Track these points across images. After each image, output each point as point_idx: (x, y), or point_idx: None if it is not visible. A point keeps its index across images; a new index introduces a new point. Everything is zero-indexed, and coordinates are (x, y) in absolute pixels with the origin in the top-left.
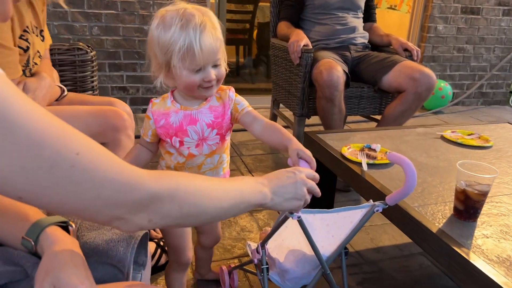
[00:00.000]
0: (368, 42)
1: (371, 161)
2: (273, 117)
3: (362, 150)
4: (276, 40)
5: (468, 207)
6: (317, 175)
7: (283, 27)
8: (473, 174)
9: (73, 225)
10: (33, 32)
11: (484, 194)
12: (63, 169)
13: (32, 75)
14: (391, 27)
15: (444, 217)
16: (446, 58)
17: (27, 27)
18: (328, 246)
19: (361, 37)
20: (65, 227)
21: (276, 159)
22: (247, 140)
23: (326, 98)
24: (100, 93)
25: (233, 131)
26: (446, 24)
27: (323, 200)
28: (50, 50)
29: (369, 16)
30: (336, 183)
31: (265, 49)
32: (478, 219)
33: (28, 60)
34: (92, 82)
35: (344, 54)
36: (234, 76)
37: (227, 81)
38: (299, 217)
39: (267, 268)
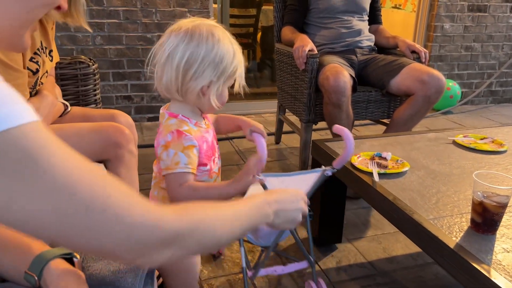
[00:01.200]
0: (375, 44)
1: (382, 171)
2: (279, 123)
3: (372, 159)
4: (280, 45)
5: (486, 219)
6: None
7: (287, 32)
8: (491, 186)
9: (78, 257)
10: (43, 53)
11: (503, 206)
12: (97, 212)
13: (36, 94)
14: (396, 27)
15: (461, 230)
16: (453, 57)
17: (38, 49)
18: None
19: (367, 40)
20: (69, 259)
21: (283, 165)
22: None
23: (333, 103)
24: (105, 102)
25: (239, 138)
26: (452, 23)
27: (334, 209)
28: None
29: (374, 18)
30: (347, 191)
31: (269, 53)
32: (497, 232)
33: (36, 82)
34: (95, 95)
35: (350, 58)
36: None
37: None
38: (262, 179)
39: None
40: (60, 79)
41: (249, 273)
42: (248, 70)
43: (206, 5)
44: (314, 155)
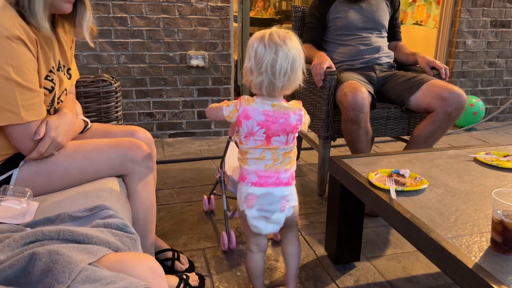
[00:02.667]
0: (394, 61)
1: (399, 188)
2: (298, 139)
3: (390, 176)
4: None
5: (507, 239)
6: None
7: (306, 49)
8: (511, 204)
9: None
10: (61, 71)
11: None
12: None
13: (55, 112)
14: (417, 43)
15: (480, 250)
16: (476, 73)
17: (53, 67)
18: None
19: (386, 56)
20: None
21: (302, 182)
22: None
23: (351, 120)
24: (128, 119)
25: None
26: (475, 39)
27: (352, 226)
28: (76, 82)
29: (393, 34)
30: (365, 208)
31: None
32: None
33: (53, 100)
34: (117, 112)
35: (369, 74)
36: None
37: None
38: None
39: (223, 181)
40: (83, 96)
41: (229, 214)
42: None
43: (227, 24)
44: (332, 172)
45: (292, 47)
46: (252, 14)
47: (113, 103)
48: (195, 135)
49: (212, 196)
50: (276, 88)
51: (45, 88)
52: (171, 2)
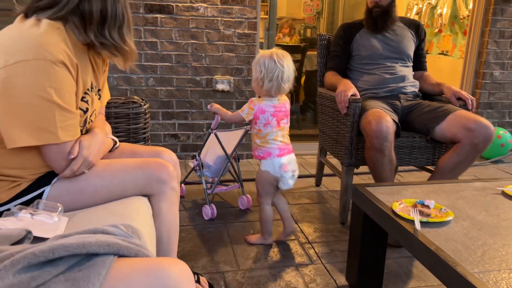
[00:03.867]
0: (419, 91)
1: (424, 219)
2: (320, 165)
3: (414, 206)
4: (323, 89)
5: None
6: None
7: (330, 76)
8: None
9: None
10: (93, 91)
11: None
12: None
13: (87, 131)
14: (443, 73)
15: (509, 287)
16: (504, 104)
17: (88, 88)
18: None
19: (411, 86)
20: None
21: (323, 208)
22: (293, 188)
23: (375, 148)
24: (153, 140)
25: None
26: (502, 70)
27: (374, 256)
28: (108, 103)
29: (419, 64)
30: (388, 238)
31: (312, 96)
32: None
33: (85, 120)
34: (145, 133)
35: (394, 103)
36: None
37: None
38: (212, 131)
39: (202, 166)
40: (114, 117)
41: (209, 191)
42: (291, 112)
43: (253, 51)
44: (355, 200)
45: (291, 62)
46: (277, 41)
47: (142, 124)
48: None
49: (182, 185)
50: (283, 90)
51: (80, 109)
52: (200, 28)
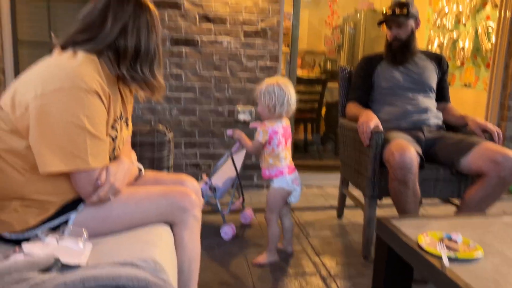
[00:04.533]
0: (443, 123)
1: (452, 254)
2: (342, 197)
3: (441, 240)
4: (344, 120)
5: None
6: None
7: (352, 107)
8: None
9: None
10: (122, 120)
11: None
12: None
13: (114, 158)
14: (466, 105)
15: None
16: None
17: (117, 117)
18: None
19: (435, 117)
20: None
21: (345, 241)
22: (314, 220)
23: (399, 180)
24: (175, 169)
25: (299, 209)
26: None
27: None
28: (133, 132)
29: (442, 96)
30: (413, 273)
31: (333, 127)
32: None
33: (114, 147)
34: (168, 162)
35: (417, 135)
36: (302, 153)
37: (295, 158)
38: (232, 154)
39: (214, 189)
40: (139, 145)
41: (225, 212)
42: (311, 143)
43: None
44: (380, 234)
45: (292, 87)
46: (298, 73)
47: (166, 153)
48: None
49: None
50: (290, 112)
51: (110, 136)
52: (223, 60)
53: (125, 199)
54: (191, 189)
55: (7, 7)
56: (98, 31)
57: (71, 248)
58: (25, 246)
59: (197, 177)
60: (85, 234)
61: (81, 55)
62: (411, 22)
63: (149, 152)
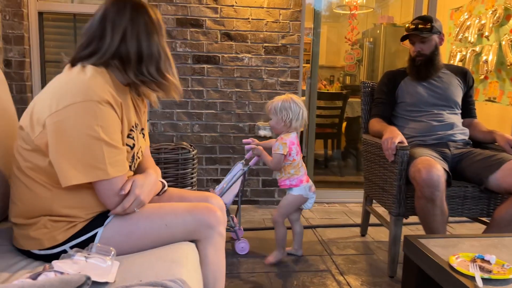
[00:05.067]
0: (469, 138)
1: (486, 275)
2: (366, 214)
3: (473, 261)
4: (368, 136)
5: None
6: None
7: (375, 123)
8: None
9: None
10: (137, 130)
11: None
12: None
13: (136, 169)
14: (491, 120)
15: None
16: None
17: (133, 126)
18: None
19: (461, 133)
20: None
21: (370, 260)
22: (337, 237)
23: (426, 198)
24: (196, 184)
25: (323, 227)
26: None
27: None
28: (158, 149)
29: (468, 111)
30: None
31: (354, 143)
32: None
33: (133, 156)
34: (192, 178)
35: (443, 151)
36: (323, 168)
37: (316, 174)
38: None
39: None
40: (164, 162)
41: (236, 228)
42: (332, 159)
43: None
44: (407, 252)
45: (303, 103)
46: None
47: (190, 169)
48: (258, 203)
49: None
50: (303, 126)
51: (127, 145)
52: (244, 77)
53: (150, 214)
54: (216, 206)
55: (36, 29)
56: (100, 43)
57: (100, 265)
58: (55, 263)
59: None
60: (112, 252)
61: (89, 68)
62: (435, 37)
63: (173, 169)
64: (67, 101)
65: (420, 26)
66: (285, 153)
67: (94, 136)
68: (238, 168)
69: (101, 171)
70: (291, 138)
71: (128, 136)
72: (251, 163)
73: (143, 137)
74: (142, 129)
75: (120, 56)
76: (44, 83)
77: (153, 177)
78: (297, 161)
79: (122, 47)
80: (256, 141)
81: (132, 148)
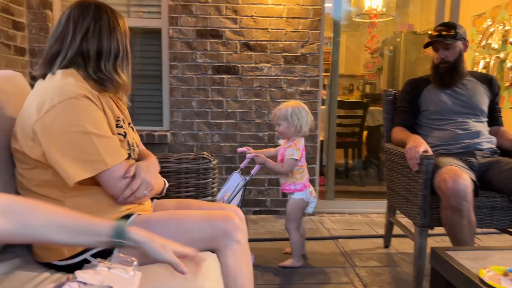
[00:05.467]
0: (497, 147)
1: None
2: (389, 225)
3: (505, 275)
4: (390, 145)
5: None
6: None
7: (398, 132)
8: None
9: None
10: (124, 123)
11: None
12: None
13: (136, 159)
14: None
15: None
16: None
17: (118, 118)
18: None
19: (487, 142)
20: None
21: (394, 272)
22: (360, 249)
23: (452, 208)
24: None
25: (345, 237)
26: None
27: None
28: (179, 159)
29: (494, 119)
30: None
31: (375, 152)
32: None
33: (129, 144)
34: (212, 188)
35: (469, 160)
36: (343, 178)
37: (337, 183)
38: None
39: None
40: (184, 172)
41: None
42: (353, 168)
43: (315, 107)
44: (435, 265)
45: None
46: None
47: (210, 179)
48: (278, 214)
49: None
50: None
51: (119, 134)
52: (263, 87)
53: (167, 219)
54: (234, 214)
55: None
56: (64, 42)
57: (122, 276)
58: (78, 274)
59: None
60: (134, 262)
61: (59, 72)
62: (459, 44)
63: (194, 179)
64: (47, 105)
65: (443, 32)
66: (299, 158)
67: (82, 131)
68: (237, 179)
69: (100, 163)
70: (302, 144)
71: (117, 126)
72: (253, 171)
73: (133, 130)
74: (129, 123)
75: (81, 53)
76: None
77: (155, 161)
78: (304, 166)
79: (84, 44)
80: (251, 149)
81: (124, 136)
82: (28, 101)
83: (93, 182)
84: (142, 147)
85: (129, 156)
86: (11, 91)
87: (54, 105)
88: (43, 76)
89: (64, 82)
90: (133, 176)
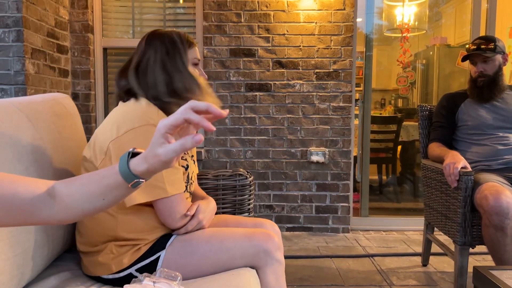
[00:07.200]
0: None
1: None
2: (427, 243)
3: None
4: (427, 161)
5: None
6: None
7: (435, 148)
8: None
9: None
10: (187, 155)
11: None
12: None
13: (191, 192)
14: None
15: None
16: None
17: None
18: None
19: None
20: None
21: None
22: (397, 267)
23: (494, 226)
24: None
25: (381, 255)
26: None
27: None
28: (216, 176)
29: None
30: None
31: (410, 167)
32: None
33: (188, 177)
34: (249, 204)
35: (511, 176)
36: (377, 194)
37: (371, 200)
38: None
39: None
40: (222, 189)
41: None
42: (387, 184)
43: (348, 123)
44: (478, 285)
45: None
46: (372, 112)
47: (247, 195)
48: (312, 230)
49: None
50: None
51: (182, 166)
52: (295, 103)
53: (210, 237)
54: (272, 232)
55: (101, 63)
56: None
57: None
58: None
59: (271, 219)
60: (179, 277)
61: (143, 100)
62: (499, 57)
63: (231, 195)
64: (126, 126)
65: (482, 46)
66: None
67: None
68: None
69: (161, 189)
70: None
71: (181, 158)
72: None
73: (194, 163)
74: (192, 156)
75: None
76: (106, 113)
77: (213, 204)
78: None
79: (173, 84)
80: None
81: (186, 169)
82: (111, 116)
83: (148, 208)
84: (196, 182)
85: (186, 189)
86: (62, 113)
87: (134, 127)
88: (126, 99)
89: (147, 109)
90: (193, 216)
